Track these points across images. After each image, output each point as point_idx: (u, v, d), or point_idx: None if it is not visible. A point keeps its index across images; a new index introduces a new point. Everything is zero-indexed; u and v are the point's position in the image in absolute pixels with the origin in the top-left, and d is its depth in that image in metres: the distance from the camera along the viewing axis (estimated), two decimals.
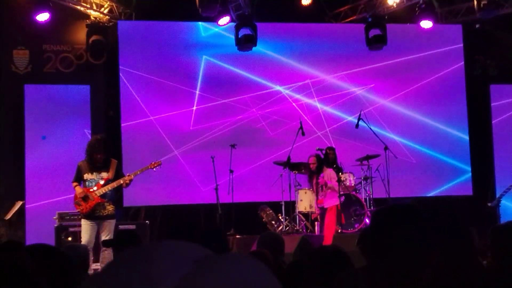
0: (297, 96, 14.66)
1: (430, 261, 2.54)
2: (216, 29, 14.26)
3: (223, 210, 12.19)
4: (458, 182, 14.97)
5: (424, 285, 2.54)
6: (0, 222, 12.81)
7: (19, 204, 12.52)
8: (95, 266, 10.08)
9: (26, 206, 12.97)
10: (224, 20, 13.52)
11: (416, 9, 14.19)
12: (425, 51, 15.14)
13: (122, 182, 9.95)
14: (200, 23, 14.37)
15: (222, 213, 11.97)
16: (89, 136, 12.55)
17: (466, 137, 15.15)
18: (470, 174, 15.02)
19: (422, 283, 2.52)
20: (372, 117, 14.01)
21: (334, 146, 13.12)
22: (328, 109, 14.74)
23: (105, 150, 10.00)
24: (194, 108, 14.21)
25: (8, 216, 12.47)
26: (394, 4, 14.59)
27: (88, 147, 10.05)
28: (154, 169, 10.45)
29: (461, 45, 15.36)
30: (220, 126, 14.22)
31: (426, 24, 14.16)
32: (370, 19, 14.51)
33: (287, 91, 14.63)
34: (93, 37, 13.70)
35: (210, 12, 13.02)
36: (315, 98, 14.71)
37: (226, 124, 14.25)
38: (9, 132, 13.49)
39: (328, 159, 12.90)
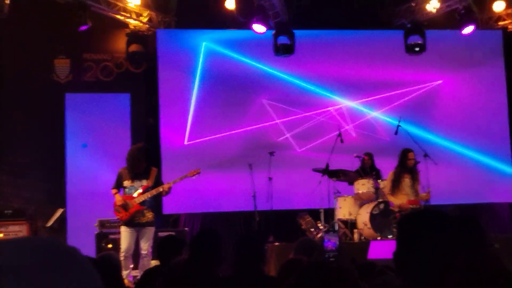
0: (336, 102, 14.60)
1: (456, 266, 2.53)
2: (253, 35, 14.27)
3: (262, 217, 12.19)
4: (501, 189, 14.78)
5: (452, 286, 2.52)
6: (42, 229, 12.96)
7: (60, 211, 12.66)
8: (134, 273, 10.16)
9: (67, 213, 13.11)
10: (261, 28, 13.50)
11: (456, 15, 14.05)
12: (464, 57, 15.00)
13: (161, 190, 10.02)
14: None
15: (260, 221, 11.97)
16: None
17: (508, 145, 14.96)
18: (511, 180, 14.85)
19: (449, 284, 2.51)
20: (412, 122, 13.92)
21: (371, 153, 13.06)
22: (367, 116, 14.65)
23: (146, 159, 10.09)
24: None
25: (50, 224, 12.61)
26: (434, 10, 14.49)
27: (129, 155, 10.15)
28: (193, 177, 10.49)
29: (501, 50, 15.19)
30: (257, 133, 14.22)
31: (467, 29, 14.01)
32: (409, 25, 14.40)
33: (326, 98, 14.58)
34: (133, 46, 13.82)
35: (247, 19, 13.03)
36: (355, 104, 14.65)
37: (262, 131, 14.25)
38: (50, 140, 13.64)
39: (364, 165, 12.84)
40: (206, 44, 14.40)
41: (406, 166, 11.45)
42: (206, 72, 14.30)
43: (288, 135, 14.34)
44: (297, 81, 14.54)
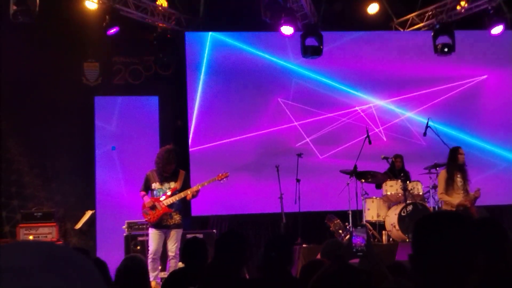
0: (364, 103, 14.56)
1: (475, 267, 2.51)
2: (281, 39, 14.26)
3: (290, 219, 12.18)
4: None
5: None
6: (72, 232, 13.07)
7: (89, 213, 12.75)
8: (163, 275, 10.20)
9: (96, 215, 13.20)
10: (289, 30, 13.50)
11: (485, 15, 13.95)
12: (493, 57, 14.90)
13: (189, 192, 10.05)
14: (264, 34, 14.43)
15: (287, 222, 11.96)
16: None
17: None
18: None
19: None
20: (442, 121, 13.86)
21: (401, 155, 13.00)
22: (397, 116, 14.60)
23: (175, 162, 10.13)
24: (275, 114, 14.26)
25: (79, 226, 12.71)
26: (463, 10, 14.40)
27: (157, 158, 10.19)
28: (222, 181, 10.51)
29: None
30: (285, 135, 14.23)
31: (496, 29, 13.90)
32: (437, 26, 14.32)
33: (354, 99, 14.55)
34: (161, 49, 13.87)
35: (274, 21, 13.03)
36: (385, 104, 14.60)
37: (290, 133, 14.25)
38: (80, 143, 13.75)
39: (394, 167, 12.78)
40: (230, 47, 14.44)
41: (457, 163, 11.28)
42: (232, 74, 14.32)
43: (308, 139, 14.30)
44: (321, 79, 14.51)
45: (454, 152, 11.34)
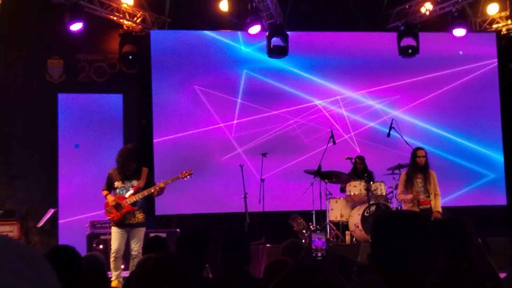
0: (328, 104, 14.62)
1: (435, 266, 2.52)
2: (247, 39, 14.26)
3: (254, 219, 12.17)
4: (491, 191, 14.83)
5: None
6: (34, 230, 12.95)
7: (51, 211, 12.64)
8: (125, 274, 10.14)
9: (59, 213, 13.09)
10: (255, 29, 13.54)
11: (449, 17, 14.08)
12: (457, 60, 15.04)
13: (153, 190, 10.00)
14: (236, 33, 14.43)
15: (250, 222, 11.96)
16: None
17: (500, 146, 15.03)
18: (504, 183, 14.89)
19: (427, 286, 2.50)
20: (403, 125, 13.97)
21: (363, 155, 13.08)
22: (359, 118, 14.69)
23: (136, 160, 10.06)
24: (235, 121, 14.24)
25: (41, 224, 12.60)
26: (427, 12, 14.52)
27: (118, 156, 10.11)
28: (185, 178, 10.47)
29: (495, 53, 15.23)
30: (250, 135, 14.24)
31: (459, 32, 14.05)
32: (402, 28, 14.41)
33: (318, 100, 14.60)
34: (126, 47, 13.79)
35: (241, 20, 13.03)
36: (346, 107, 14.67)
37: (256, 133, 14.26)
38: (43, 141, 13.63)
39: (356, 168, 12.85)
40: (195, 47, 14.44)
41: (417, 165, 11.33)
42: (197, 73, 14.30)
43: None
44: (283, 76, 14.57)
45: (413, 154, 11.40)
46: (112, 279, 9.65)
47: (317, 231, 10.11)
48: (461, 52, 14.48)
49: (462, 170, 14.85)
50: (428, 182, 11.26)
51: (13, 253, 1.24)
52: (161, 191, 10.11)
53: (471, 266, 3.80)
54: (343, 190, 12.70)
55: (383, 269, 2.55)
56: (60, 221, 13.16)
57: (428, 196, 11.20)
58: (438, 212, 11.19)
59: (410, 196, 11.15)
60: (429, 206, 11.15)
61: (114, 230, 9.99)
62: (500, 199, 14.88)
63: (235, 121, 14.26)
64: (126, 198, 9.93)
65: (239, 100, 14.36)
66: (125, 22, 13.95)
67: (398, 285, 2.50)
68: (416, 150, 11.44)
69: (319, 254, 3.82)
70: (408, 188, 11.25)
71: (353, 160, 12.88)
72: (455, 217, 4.09)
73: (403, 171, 11.61)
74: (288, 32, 13.89)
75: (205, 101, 14.22)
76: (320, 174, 12.17)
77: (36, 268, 1.24)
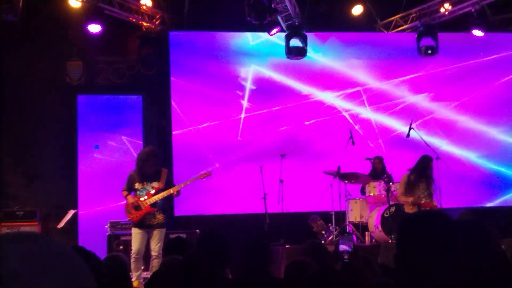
0: (347, 105, 14.60)
1: (459, 266, 2.51)
2: (263, 38, 14.23)
3: (273, 220, 12.17)
4: None
5: None
6: (54, 231, 13.00)
7: (71, 212, 12.69)
8: (145, 275, 10.16)
9: (79, 214, 13.15)
10: (274, 30, 13.56)
11: (469, 17, 14.03)
12: (477, 60, 14.97)
13: (172, 191, 10.02)
14: (248, 33, 14.43)
15: (270, 223, 11.95)
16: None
17: None
18: None
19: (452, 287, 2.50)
20: (424, 126, 13.93)
21: (382, 156, 13.05)
22: (379, 118, 14.66)
23: (155, 163, 10.08)
24: (243, 116, 14.25)
25: (61, 225, 12.64)
26: (446, 13, 14.46)
27: (137, 159, 10.17)
28: (204, 179, 10.50)
29: None
30: (269, 135, 14.25)
31: (478, 32, 13.98)
32: (421, 28, 14.37)
33: (337, 101, 14.59)
34: (145, 48, 13.84)
35: (259, 21, 13.01)
36: (366, 108, 14.65)
37: (275, 134, 14.27)
38: (63, 142, 13.70)
39: (374, 168, 12.82)
40: (213, 47, 14.46)
41: (425, 174, 11.36)
42: (214, 73, 14.31)
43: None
44: (304, 82, 14.56)
45: (427, 161, 11.39)
46: (132, 279, 9.67)
47: (341, 234, 10.12)
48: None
49: (483, 170, 14.78)
50: (431, 185, 11.32)
51: (46, 249, 1.24)
52: (178, 193, 10.15)
53: (492, 269, 3.78)
54: (363, 191, 12.67)
55: (409, 269, 2.55)
56: (80, 222, 13.21)
57: (430, 199, 11.25)
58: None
59: (411, 199, 11.17)
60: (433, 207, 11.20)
61: (135, 231, 10.02)
62: None
63: (242, 115, 14.25)
64: (146, 199, 9.95)
65: (245, 101, 14.35)
66: (144, 23, 13.98)
67: (424, 286, 2.50)
68: (429, 161, 11.42)
69: (345, 257, 3.83)
70: (409, 191, 11.27)
71: (372, 161, 12.85)
72: (475, 219, 4.06)
73: (405, 173, 11.61)
74: (306, 33, 13.89)
75: (225, 101, 14.23)
76: (340, 175, 12.14)
77: (69, 264, 1.25)
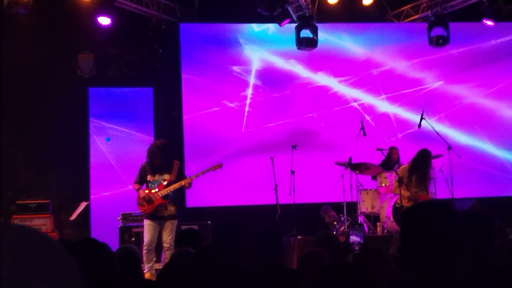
0: (359, 95, 14.58)
1: (463, 254, 2.52)
2: (274, 27, 14.22)
3: (285, 211, 12.17)
4: None
5: (459, 278, 2.52)
6: (66, 223, 13.07)
7: (83, 205, 12.74)
8: (157, 266, 10.20)
9: (91, 206, 13.21)
10: (284, 21, 13.53)
11: (480, 7, 13.97)
12: (487, 50, 14.93)
13: (184, 183, 10.06)
14: (255, 24, 14.44)
15: (281, 214, 11.96)
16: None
17: None
18: None
19: (457, 276, 2.51)
20: (437, 115, 13.91)
21: (396, 146, 13.03)
22: (388, 108, 14.63)
23: (165, 156, 10.10)
24: (253, 107, 14.25)
25: (73, 217, 12.70)
26: (457, 2, 14.41)
27: (149, 152, 10.20)
28: (216, 171, 10.53)
29: None
30: (280, 126, 14.25)
31: (490, 22, 13.91)
32: (432, 18, 14.31)
33: (348, 91, 14.57)
34: (156, 40, 13.86)
35: (269, 12, 12.99)
36: (376, 97, 14.62)
37: (286, 125, 14.27)
38: (75, 134, 13.75)
39: (391, 158, 12.79)
40: (223, 38, 14.46)
41: (425, 168, 11.42)
42: (224, 65, 14.32)
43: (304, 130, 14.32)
44: (314, 71, 14.54)
45: (427, 157, 11.44)
46: (145, 271, 9.71)
47: (353, 225, 10.09)
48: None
49: (495, 160, 14.74)
50: (426, 178, 11.35)
51: (32, 242, 1.25)
52: (189, 185, 10.18)
53: (498, 260, 3.78)
54: (374, 177, 12.64)
55: (413, 260, 2.56)
56: (92, 214, 13.27)
57: (426, 191, 11.29)
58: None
59: (408, 194, 11.21)
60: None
61: (147, 223, 10.06)
62: None
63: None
64: (157, 191, 9.99)
65: (261, 93, 14.37)
66: (155, 15, 13.98)
67: (428, 277, 2.51)
68: (430, 155, 11.48)
69: (356, 248, 3.83)
70: (408, 184, 11.32)
71: (384, 152, 12.81)
72: (481, 210, 4.07)
73: (404, 166, 11.66)
74: (317, 24, 13.86)
75: (235, 93, 14.24)
76: (351, 165, 12.13)
77: (54, 257, 1.26)
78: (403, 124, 14.59)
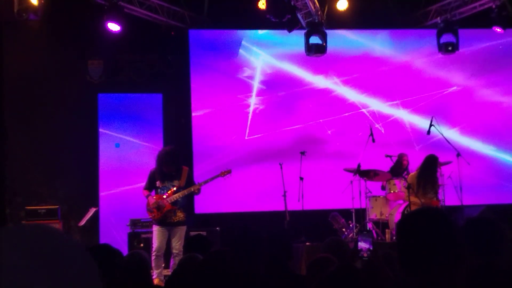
0: (367, 102, 14.57)
1: (461, 263, 2.53)
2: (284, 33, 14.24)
3: (293, 217, 12.17)
4: None
5: (460, 283, 2.53)
6: (75, 229, 13.08)
7: (92, 210, 12.75)
8: (166, 272, 10.21)
9: (100, 212, 13.22)
10: (293, 28, 13.54)
11: (489, 14, 13.95)
12: (498, 55, 14.91)
13: (193, 190, 10.07)
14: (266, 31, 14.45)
15: (290, 220, 11.95)
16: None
17: None
18: None
19: (456, 282, 2.52)
20: (444, 122, 13.88)
21: (405, 153, 13.00)
22: (399, 115, 14.61)
23: (174, 162, 10.11)
24: (262, 114, 14.26)
25: (82, 223, 12.72)
26: (466, 9, 14.39)
27: (158, 158, 10.21)
28: (224, 177, 10.53)
29: None
30: (289, 133, 14.25)
31: (499, 28, 13.89)
32: (441, 25, 14.30)
33: (357, 97, 14.56)
34: (165, 46, 13.88)
35: (278, 19, 13.00)
36: (384, 104, 14.61)
37: (295, 131, 14.27)
38: (84, 140, 13.78)
39: (401, 165, 12.76)
40: (232, 45, 14.49)
41: (434, 174, 11.41)
42: (233, 71, 14.34)
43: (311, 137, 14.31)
44: (322, 78, 14.55)
45: (435, 163, 11.43)
46: (153, 277, 9.72)
47: (362, 232, 10.09)
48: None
49: (505, 167, 14.70)
50: (433, 184, 11.31)
51: (55, 242, 1.25)
52: (198, 191, 10.20)
53: (504, 265, 3.78)
54: (383, 188, 12.63)
55: (410, 267, 2.57)
56: (101, 220, 13.29)
57: (436, 197, 11.27)
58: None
59: (422, 200, 11.19)
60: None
61: (156, 229, 10.08)
62: None
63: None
64: (166, 197, 9.99)
65: (270, 99, 14.38)
66: (164, 21, 14.01)
67: (426, 283, 2.52)
68: (436, 159, 11.47)
69: (365, 255, 3.85)
70: (419, 191, 11.28)
71: (393, 158, 12.80)
72: (490, 217, 4.07)
73: (412, 173, 11.64)
74: (326, 30, 13.86)
75: (244, 99, 14.25)
76: (360, 172, 12.12)
77: (77, 259, 1.26)
78: (414, 131, 14.57)
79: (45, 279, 1.19)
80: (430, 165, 11.46)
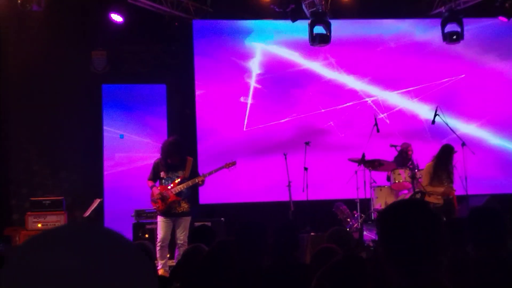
0: (372, 91, 14.54)
1: (441, 255, 2.53)
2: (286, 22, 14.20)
3: (298, 207, 12.17)
4: None
5: (441, 275, 2.54)
6: (79, 220, 13.10)
7: (97, 201, 12.76)
8: (171, 263, 10.22)
9: (104, 203, 13.23)
10: (297, 17, 13.51)
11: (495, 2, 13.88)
12: (504, 45, 14.86)
13: (197, 180, 10.06)
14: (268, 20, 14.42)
15: (294, 211, 11.95)
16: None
17: None
18: None
19: (437, 273, 2.52)
20: (450, 111, 13.84)
21: (410, 143, 12.97)
22: (404, 105, 14.58)
23: (178, 153, 10.10)
24: (264, 104, 14.24)
25: (87, 214, 12.72)
26: None
27: (162, 149, 10.21)
28: (229, 169, 10.53)
29: None
30: (293, 123, 14.23)
31: (505, 17, 13.84)
32: (446, 14, 14.24)
33: (362, 86, 14.53)
34: (169, 37, 13.87)
35: (282, 9, 12.97)
36: (389, 93, 14.57)
37: (299, 121, 14.26)
38: (88, 131, 13.79)
39: (406, 155, 12.74)
40: (237, 35, 14.46)
41: (450, 162, 11.35)
42: (237, 61, 14.32)
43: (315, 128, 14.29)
44: (327, 68, 14.51)
45: (451, 151, 11.35)
46: (158, 268, 9.74)
47: (366, 222, 10.10)
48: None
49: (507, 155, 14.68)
50: (449, 173, 11.27)
51: (112, 242, 1.23)
52: (202, 182, 10.19)
53: (508, 255, 3.77)
54: (389, 179, 12.62)
55: (391, 260, 2.58)
56: (106, 211, 13.30)
57: (451, 187, 11.22)
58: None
59: (441, 190, 11.11)
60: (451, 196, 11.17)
61: (160, 219, 10.08)
62: None
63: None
64: (171, 188, 10.00)
65: (274, 89, 14.35)
66: (168, 12, 13.98)
67: (407, 275, 2.53)
68: (453, 149, 11.39)
69: (371, 244, 3.84)
70: (435, 179, 11.22)
71: (398, 148, 12.78)
72: (492, 205, 4.08)
73: (429, 163, 11.56)
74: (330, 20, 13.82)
75: (248, 89, 14.24)
76: (364, 162, 12.10)
77: (134, 259, 1.24)
78: (418, 121, 14.54)
79: (106, 282, 1.17)
80: (446, 154, 11.40)
